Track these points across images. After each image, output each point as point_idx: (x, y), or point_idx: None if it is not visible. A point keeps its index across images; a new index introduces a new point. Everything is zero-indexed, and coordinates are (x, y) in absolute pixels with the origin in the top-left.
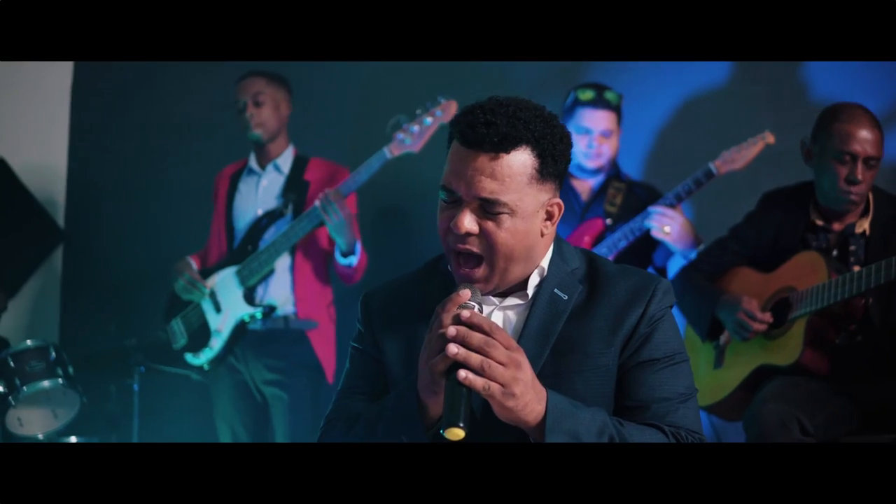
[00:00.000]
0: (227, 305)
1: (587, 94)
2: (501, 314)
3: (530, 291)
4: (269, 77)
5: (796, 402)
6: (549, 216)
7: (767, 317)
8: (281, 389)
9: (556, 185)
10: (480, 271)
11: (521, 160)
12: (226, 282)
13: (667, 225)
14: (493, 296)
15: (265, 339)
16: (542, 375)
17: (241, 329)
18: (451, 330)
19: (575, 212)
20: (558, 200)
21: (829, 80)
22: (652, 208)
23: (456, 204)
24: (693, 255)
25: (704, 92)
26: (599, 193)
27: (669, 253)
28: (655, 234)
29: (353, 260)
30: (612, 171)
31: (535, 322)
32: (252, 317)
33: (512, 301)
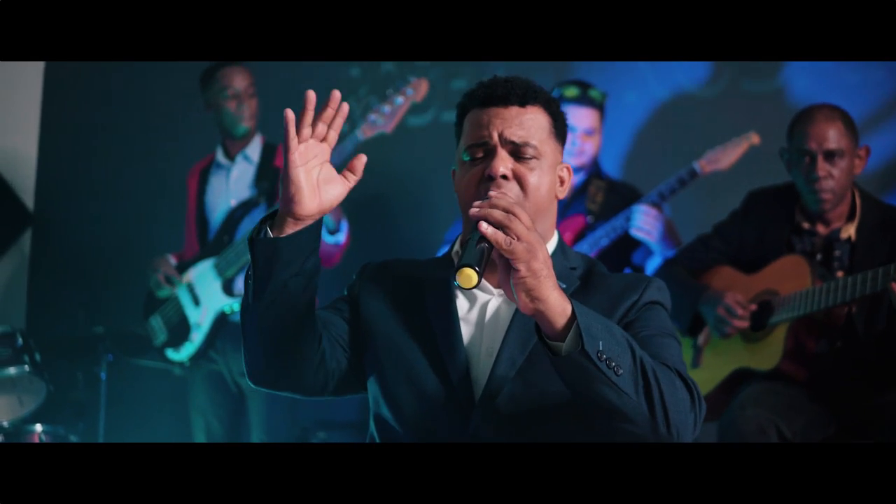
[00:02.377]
0: (206, 298)
1: (571, 92)
2: (497, 303)
3: None
4: (246, 68)
5: (774, 409)
6: (562, 181)
7: (750, 308)
8: None
9: (562, 150)
10: None
11: (539, 115)
12: (203, 274)
13: (650, 224)
14: (494, 286)
15: None
16: (533, 358)
17: (221, 321)
18: (476, 202)
19: None
20: (568, 164)
21: (811, 81)
22: (636, 206)
23: (485, 157)
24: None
25: (684, 93)
26: (581, 191)
27: (649, 252)
28: (636, 232)
29: (341, 237)
30: (594, 170)
31: None
32: (231, 308)
33: None
